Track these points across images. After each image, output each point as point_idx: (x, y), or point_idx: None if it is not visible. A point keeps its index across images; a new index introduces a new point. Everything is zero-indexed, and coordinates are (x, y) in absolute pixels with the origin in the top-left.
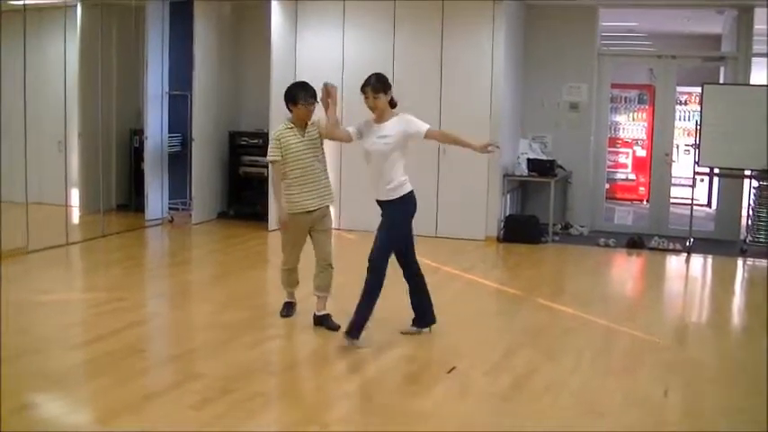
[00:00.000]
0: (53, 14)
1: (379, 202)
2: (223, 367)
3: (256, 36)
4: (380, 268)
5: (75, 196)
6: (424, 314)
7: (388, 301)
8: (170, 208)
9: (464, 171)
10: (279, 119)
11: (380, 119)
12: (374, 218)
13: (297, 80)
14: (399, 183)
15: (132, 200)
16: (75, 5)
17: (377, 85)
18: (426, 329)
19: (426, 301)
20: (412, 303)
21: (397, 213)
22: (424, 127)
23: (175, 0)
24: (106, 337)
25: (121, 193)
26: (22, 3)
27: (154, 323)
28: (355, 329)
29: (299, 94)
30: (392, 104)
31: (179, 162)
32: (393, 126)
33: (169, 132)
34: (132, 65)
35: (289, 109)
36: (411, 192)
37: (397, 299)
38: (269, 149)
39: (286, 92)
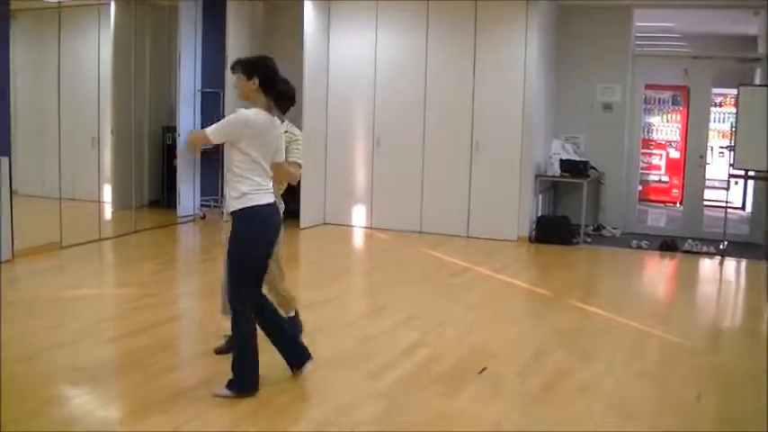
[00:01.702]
0: (87, 12)
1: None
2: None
3: (288, 34)
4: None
5: (107, 192)
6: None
7: (412, 298)
8: (202, 204)
9: (496, 171)
10: (311, 116)
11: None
12: (405, 217)
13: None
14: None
15: (164, 196)
16: (109, 3)
17: (236, 65)
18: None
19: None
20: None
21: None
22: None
23: None
24: (138, 333)
25: (154, 190)
26: (56, 1)
27: (185, 319)
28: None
29: None
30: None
31: (211, 159)
32: None
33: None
34: (165, 62)
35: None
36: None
37: (423, 295)
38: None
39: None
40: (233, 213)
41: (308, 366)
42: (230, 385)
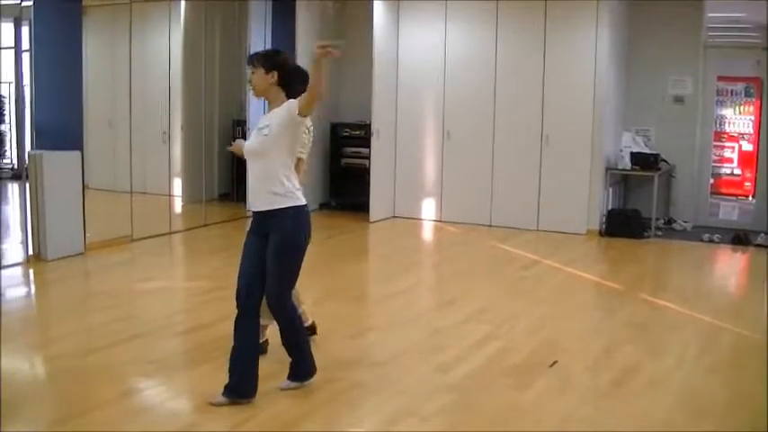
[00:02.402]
0: (158, 8)
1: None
2: (324, 358)
3: (359, 33)
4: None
5: (178, 186)
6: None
7: (482, 291)
8: None
9: (566, 164)
10: (381, 110)
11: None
12: (474, 210)
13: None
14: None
15: (234, 190)
16: (180, 0)
17: (254, 58)
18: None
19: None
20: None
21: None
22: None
23: None
24: (209, 325)
25: (223, 184)
26: None
27: None
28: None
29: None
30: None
31: None
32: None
33: None
34: (235, 58)
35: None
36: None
37: (493, 288)
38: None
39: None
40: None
41: (292, 385)
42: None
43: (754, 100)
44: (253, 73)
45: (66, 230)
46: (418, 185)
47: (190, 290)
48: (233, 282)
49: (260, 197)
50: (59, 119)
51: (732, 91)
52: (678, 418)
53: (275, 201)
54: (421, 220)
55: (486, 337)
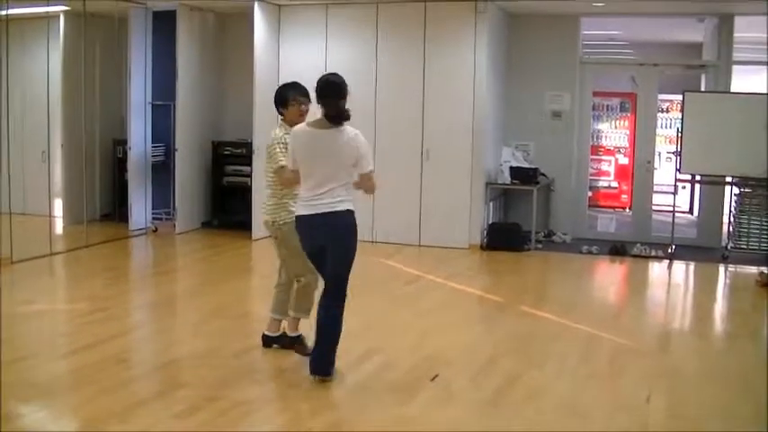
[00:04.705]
0: (36, 24)
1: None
2: (208, 376)
3: (239, 45)
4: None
5: (58, 206)
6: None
7: (365, 307)
8: (154, 218)
9: (447, 179)
10: (262, 128)
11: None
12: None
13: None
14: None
15: (116, 210)
16: (59, 16)
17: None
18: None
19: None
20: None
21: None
22: None
23: (158, 10)
24: (91, 347)
25: (105, 204)
26: (4, 13)
27: (138, 333)
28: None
29: (290, 93)
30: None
31: (162, 172)
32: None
33: (152, 142)
34: (115, 75)
35: (280, 112)
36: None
37: (376, 304)
38: (278, 153)
39: (276, 94)
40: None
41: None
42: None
43: (629, 114)
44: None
45: None
46: None
47: (71, 312)
48: (115, 302)
49: None
50: None
51: (608, 106)
52: (560, 423)
53: None
54: None
55: (367, 352)
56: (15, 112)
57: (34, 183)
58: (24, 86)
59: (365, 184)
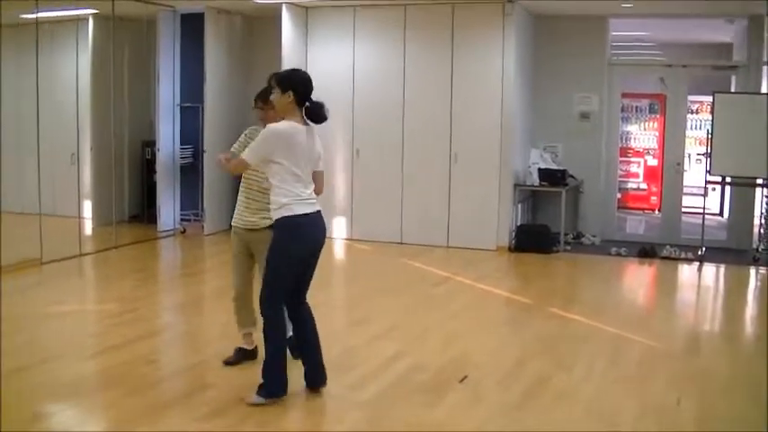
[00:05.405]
0: (65, 27)
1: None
2: (235, 378)
3: (266, 48)
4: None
5: (87, 208)
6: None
7: (392, 309)
8: (182, 219)
9: (475, 181)
10: None
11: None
12: (385, 228)
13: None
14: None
15: (144, 211)
16: (87, 19)
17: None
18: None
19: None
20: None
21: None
22: None
23: (186, 13)
24: (119, 348)
25: (134, 205)
26: (34, 16)
27: (167, 334)
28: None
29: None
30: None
31: (191, 173)
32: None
33: (181, 144)
34: (144, 77)
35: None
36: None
37: (404, 305)
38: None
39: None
40: (274, 223)
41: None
42: (260, 391)
43: (658, 116)
44: (273, 94)
45: None
46: (328, 203)
47: (100, 313)
48: (143, 304)
49: None
50: None
51: (637, 107)
52: (588, 427)
53: None
54: (332, 238)
55: (396, 354)
56: (45, 114)
57: (64, 185)
58: (54, 89)
59: (321, 183)
